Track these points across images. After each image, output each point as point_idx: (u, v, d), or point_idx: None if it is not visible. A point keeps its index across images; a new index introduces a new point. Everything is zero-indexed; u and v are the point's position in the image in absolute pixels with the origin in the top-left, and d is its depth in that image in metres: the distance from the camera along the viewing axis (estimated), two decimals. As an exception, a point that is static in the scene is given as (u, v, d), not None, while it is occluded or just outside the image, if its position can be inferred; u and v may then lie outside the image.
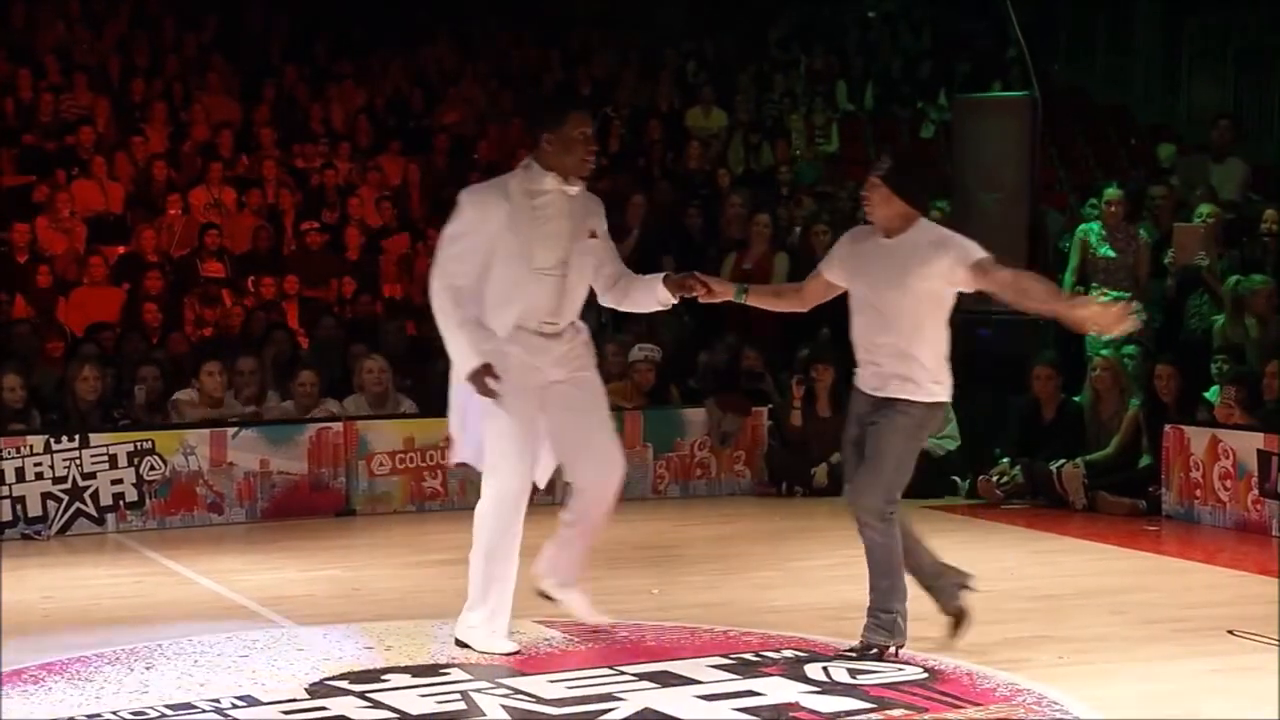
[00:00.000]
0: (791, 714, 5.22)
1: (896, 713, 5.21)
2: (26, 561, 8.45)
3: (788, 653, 6.00)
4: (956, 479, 10.58)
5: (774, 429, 10.86)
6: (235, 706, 5.38)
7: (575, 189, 6.07)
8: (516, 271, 5.97)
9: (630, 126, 15.20)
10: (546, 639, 6.26)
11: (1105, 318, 5.74)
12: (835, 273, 6.06)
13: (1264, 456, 8.98)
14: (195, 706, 5.38)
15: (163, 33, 15.14)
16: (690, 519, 9.89)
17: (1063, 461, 9.96)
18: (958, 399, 10.65)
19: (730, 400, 10.86)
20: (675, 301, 6.20)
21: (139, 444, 9.56)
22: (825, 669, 5.73)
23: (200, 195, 12.94)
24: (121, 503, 9.52)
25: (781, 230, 12.46)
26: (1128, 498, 9.77)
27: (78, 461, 9.41)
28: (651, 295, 6.17)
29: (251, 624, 6.81)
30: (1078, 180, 15.24)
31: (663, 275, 6.21)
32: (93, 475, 9.45)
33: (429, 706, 5.34)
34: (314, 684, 5.66)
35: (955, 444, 10.65)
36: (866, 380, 5.96)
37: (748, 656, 5.94)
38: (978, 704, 5.31)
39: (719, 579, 7.78)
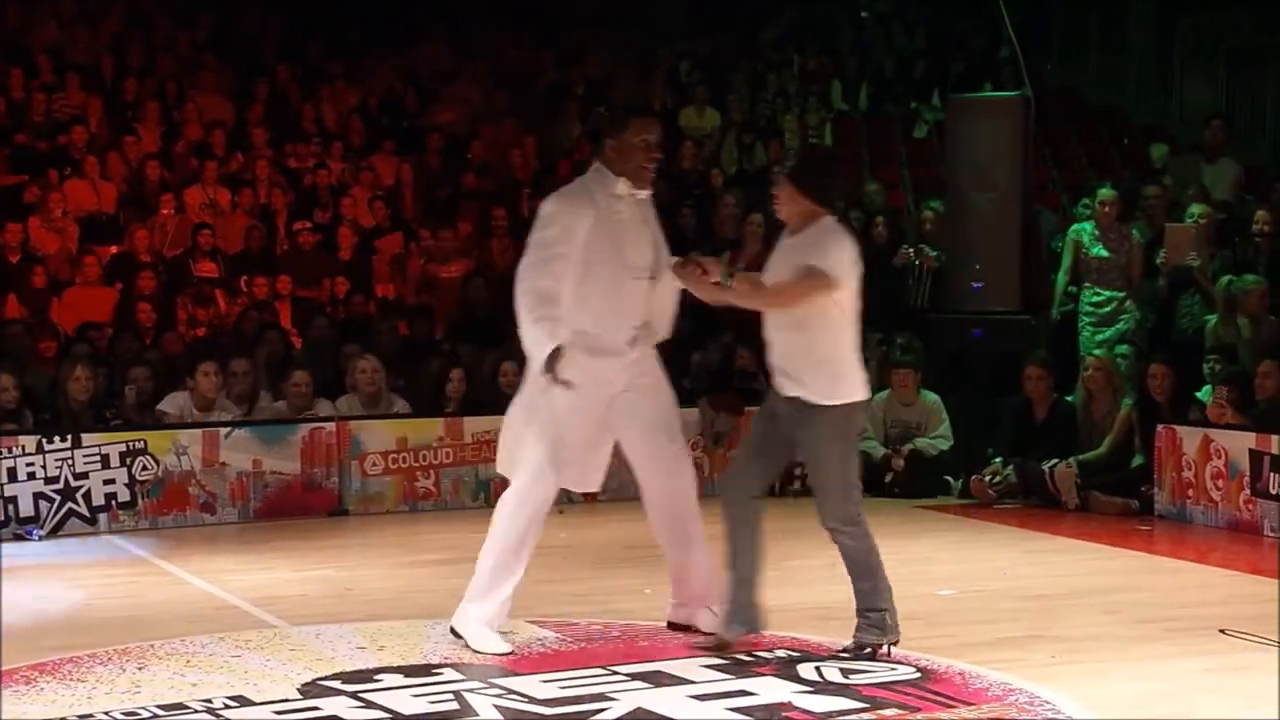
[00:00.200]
0: (784, 714, 5.22)
1: (889, 712, 5.21)
2: (19, 562, 8.43)
3: (780, 652, 6.00)
4: (949, 479, 10.60)
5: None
6: (228, 707, 5.37)
7: (644, 194, 6.08)
8: (612, 274, 5.99)
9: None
10: (539, 639, 6.26)
11: None
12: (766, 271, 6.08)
13: (1256, 456, 8.99)
14: (187, 707, 5.37)
15: (156, 32, 15.12)
16: (683, 519, 9.87)
17: (1055, 461, 9.97)
18: (951, 399, 10.83)
19: (723, 400, 10.86)
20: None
21: (131, 444, 9.55)
22: (818, 669, 5.74)
23: (194, 195, 12.93)
24: (114, 503, 9.51)
25: (775, 230, 12.44)
26: (1120, 497, 9.78)
27: (70, 461, 9.40)
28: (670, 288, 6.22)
29: (244, 624, 6.80)
30: (1070, 180, 15.25)
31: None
32: (85, 475, 9.44)
33: (422, 707, 5.33)
34: (306, 684, 5.66)
35: (948, 444, 10.65)
36: (774, 375, 5.97)
37: (740, 656, 5.93)
38: (970, 704, 5.31)
39: (712, 579, 7.77)
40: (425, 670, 5.82)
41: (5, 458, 9.26)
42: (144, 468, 9.56)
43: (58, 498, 9.38)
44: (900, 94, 17.05)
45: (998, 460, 10.29)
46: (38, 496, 9.34)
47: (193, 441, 9.67)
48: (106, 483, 9.49)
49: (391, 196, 13.62)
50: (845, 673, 5.68)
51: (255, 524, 9.70)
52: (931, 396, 10.76)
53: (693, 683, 5.58)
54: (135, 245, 12.10)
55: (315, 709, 5.34)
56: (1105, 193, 11.33)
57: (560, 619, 6.41)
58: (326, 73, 15.31)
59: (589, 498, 6.49)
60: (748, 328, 10.91)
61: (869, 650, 5.85)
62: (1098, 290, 11.09)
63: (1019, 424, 10.35)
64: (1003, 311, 11.02)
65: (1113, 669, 5.82)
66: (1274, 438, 8.89)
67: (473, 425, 10.24)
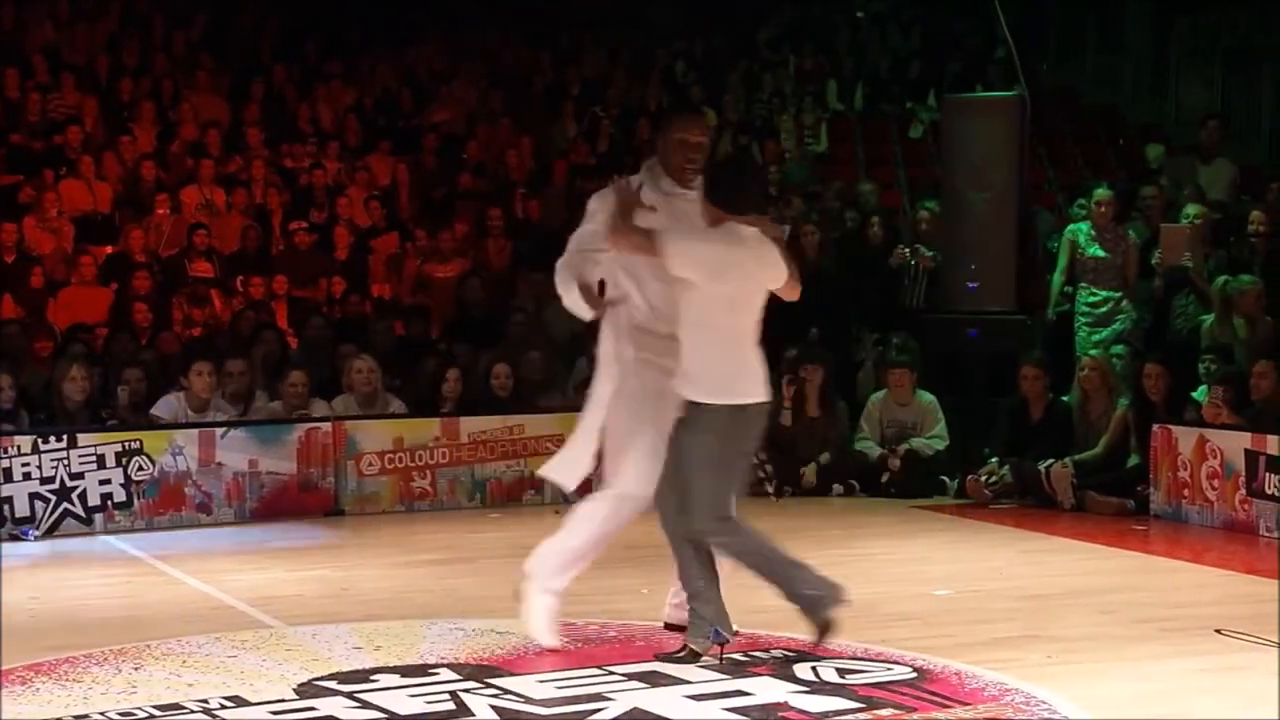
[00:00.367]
0: (781, 714, 5.22)
1: (885, 712, 5.21)
2: (14, 562, 8.42)
3: (776, 652, 5.99)
4: (945, 479, 10.60)
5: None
6: (224, 707, 5.37)
7: (692, 193, 6.02)
8: (654, 270, 5.92)
9: (620, 126, 15.21)
10: (536, 639, 6.25)
11: None
12: None
13: (1251, 456, 9.00)
14: (183, 707, 5.37)
15: (152, 31, 15.11)
16: (679, 519, 9.88)
17: (1051, 461, 9.97)
18: (946, 399, 10.83)
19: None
20: None
21: (127, 444, 9.54)
22: (814, 669, 5.73)
23: (190, 195, 12.92)
24: (109, 503, 9.50)
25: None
26: (1116, 497, 9.78)
27: (65, 462, 9.39)
28: None
29: (240, 624, 6.79)
30: (1066, 180, 15.27)
31: None
32: (80, 475, 9.43)
33: (418, 707, 5.33)
34: (302, 684, 5.66)
35: (944, 444, 10.66)
36: None
37: (737, 656, 5.93)
38: (966, 703, 5.31)
39: (708, 579, 7.76)
40: (421, 670, 5.82)
41: (1, 458, 9.25)
42: (140, 468, 9.55)
43: (53, 498, 9.37)
44: (896, 94, 17.06)
45: (994, 460, 10.29)
46: (33, 497, 9.32)
47: (189, 441, 9.67)
48: (102, 483, 9.48)
49: (387, 196, 13.62)
50: (841, 673, 5.68)
51: (251, 524, 9.69)
52: (927, 396, 10.77)
53: (689, 683, 5.58)
54: (131, 245, 12.10)
55: (311, 709, 5.34)
56: (1101, 193, 11.34)
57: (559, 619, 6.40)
58: (322, 73, 15.31)
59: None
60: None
61: (827, 625, 5.76)
62: (1094, 290, 11.10)
63: (1015, 424, 10.36)
64: (998, 311, 11.04)
65: (1109, 669, 5.82)
66: (1269, 438, 8.90)
67: (469, 425, 10.24)
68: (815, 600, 5.76)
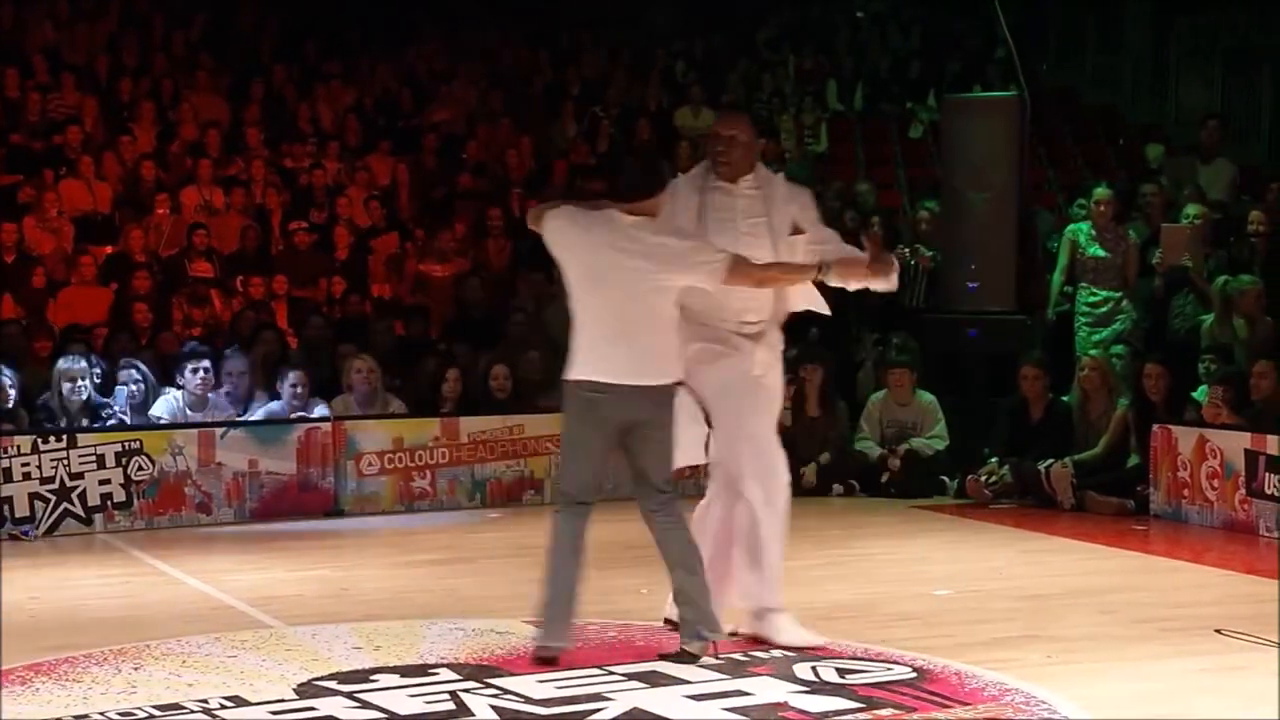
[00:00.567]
0: (780, 714, 5.22)
1: (885, 712, 5.21)
2: (14, 562, 8.42)
3: (776, 652, 6.00)
4: (945, 479, 10.60)
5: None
6: (223, 707, 5.37)
7: (733, 185, 6.11)
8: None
9: (619, 126, 15.20)
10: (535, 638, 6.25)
11: None
12: None
13: (1251, 456, 9.00)
14: (183, 707, 5.37)
15: (151, 31, 15.11)
16: (680, 519, 9.88)
17: (1051, 461, 9.97)
18: (946, 399, 10.83)
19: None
20: None
21: (127, 444, 9.54)
22: (814, 668, 5.74)
23: (189, 195, 12.91)
24: (109, 503, 9.50)
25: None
26: (1116, 497, 9.78)
27: (65, 462, 9.39)
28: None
29: (240, 624, 6.80)
30: (1066, 180, 15.27)
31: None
32: (80, 475, 9.43)
33: (418, 707, 5.33)
34: (302, 684, 5.66)
35: (944, 444, 10.66)
36: None
37: (737, 656, 5.93)
38: (966, 703, 5.31)
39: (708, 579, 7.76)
40: (421, 670, 5.82)
41: (1, 458, 9.25)
42: (139, 468, 9.55)
43: (53, 498, 9.37)
44: (896, 94, 17.05)
45: (993, 460, 10.29)
46: (33, 497, 9.33)
47: (188, 441, 9.67)
48: (102, 483, 9.48)
49: (387, 196, 13.61)
50: (841, 673, 5.68)
51: (251, 524, 9.69)
52: (927, 396, 10.77)
53: (689, 682, 5.58)
54: (131, 245, 12.09)
55: (311, 709, 5.34)
56: (1101, 192, 11.35)
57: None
58: (322, 73, 15.30)
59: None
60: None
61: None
62: (1094, 290, 11.10)
63: (1015, 424, 10.36)
64: (998, 311, 11.04)
65: (1109, 669, 5.82)
66: (1269, 438, 8.90)
67: (469, 425, 10.24)
68: (557, 619, 5.80)
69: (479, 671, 5.78)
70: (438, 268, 12.56)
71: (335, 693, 5.52)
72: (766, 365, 6.19)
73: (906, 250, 11.69)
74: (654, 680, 5.60)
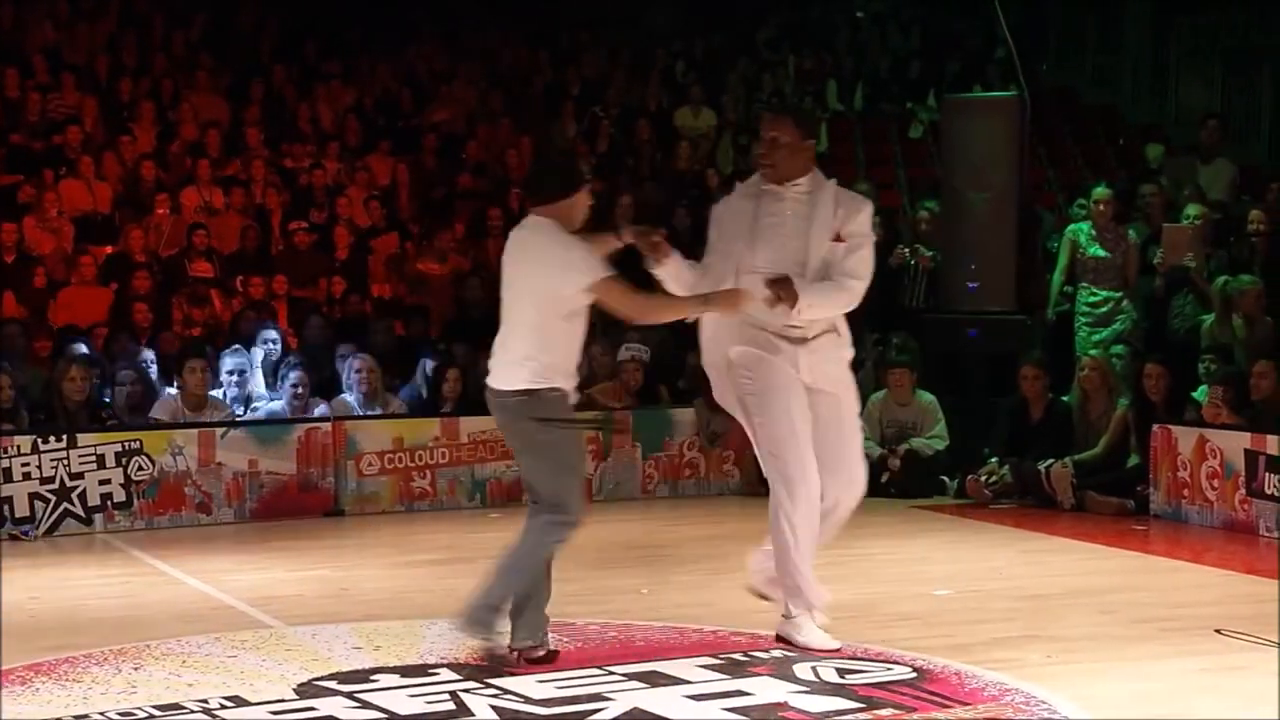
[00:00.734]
0: (780, 714, 5.22)
1: (885, 712, 5.21)
2: (14, 562, 8.43)
3: (776, 652, 6.00)
4: (945, 479, 10.61)
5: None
6: (223, 707, 5.37)
7: (781, 188, 6.07)
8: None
9: (619, 126, 15.20)
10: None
11: None
12: None
13: (1251, 456, 9.00)
14: (183, 707, 5.37)
15: (151, 31, 15.11)
16: (679, 519, 9.90)
17: (1051, 461, 9.97)
18: (946, 399, 10.83)
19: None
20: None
21: (127, 444, 9.54)
22: (814, 669, 5.74)
23: (189, 195, 12.91)
24: (109, 503, 9.50)
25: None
26: (1116, 497, 9.78)
27: (65, 462, 9.39)
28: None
29: (240, 624, 6.80)
30: (1066, 180, 15.28)
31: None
32: (80, 475, 9.43)
33: (418, 707, 5.33)
34: (302, 684, 5.66)
35: (944, 444, 10.66)
36: None
37: (737, 656, 5.94)
38: (966, 703, 5.31)
39: (708, 579, 7.78)
40: (421, 670, 5.82)
41: (1, 458, 9.25)
42: (139, 468, 9.55)
43: (53, 498, 9.37)
44: (896, 94, 17.06)
45: (993, 460, 10.30)
46: (33, 497, 9.33)
47: (188, 441, 9.67)
48: (102, 483, 9.48)
49: (387, 196, 13.61)
50: (841, 673, 5.68)
51: (251, 524, 9.70)
52: (927, 396, 10.77)
53: (689, 683, 5.58)
54: (130, 245, 12.10)
55: (311, 709, 5.34)
56: (1100, 191, 11.35)
57: (557, 619, 6.39)
58: (322, 73, 15.30)
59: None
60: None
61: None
62: (1094, 290, 11.10)
63: (1015, 424, 10.36)
64: (998, 311, 11.04)
65: (1109, 669, 5.82)
66: (1269, 437, 8.90)
67: (469, 425, 10.23)
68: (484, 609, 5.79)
69: (479, 671, 5.78)
70: (433, 266, 12.56)
71: (335, 693, 5.52)
72: (817, 370, 6.06)
73: (906, 250, 11.69)
74: (654, 680, 5.61)
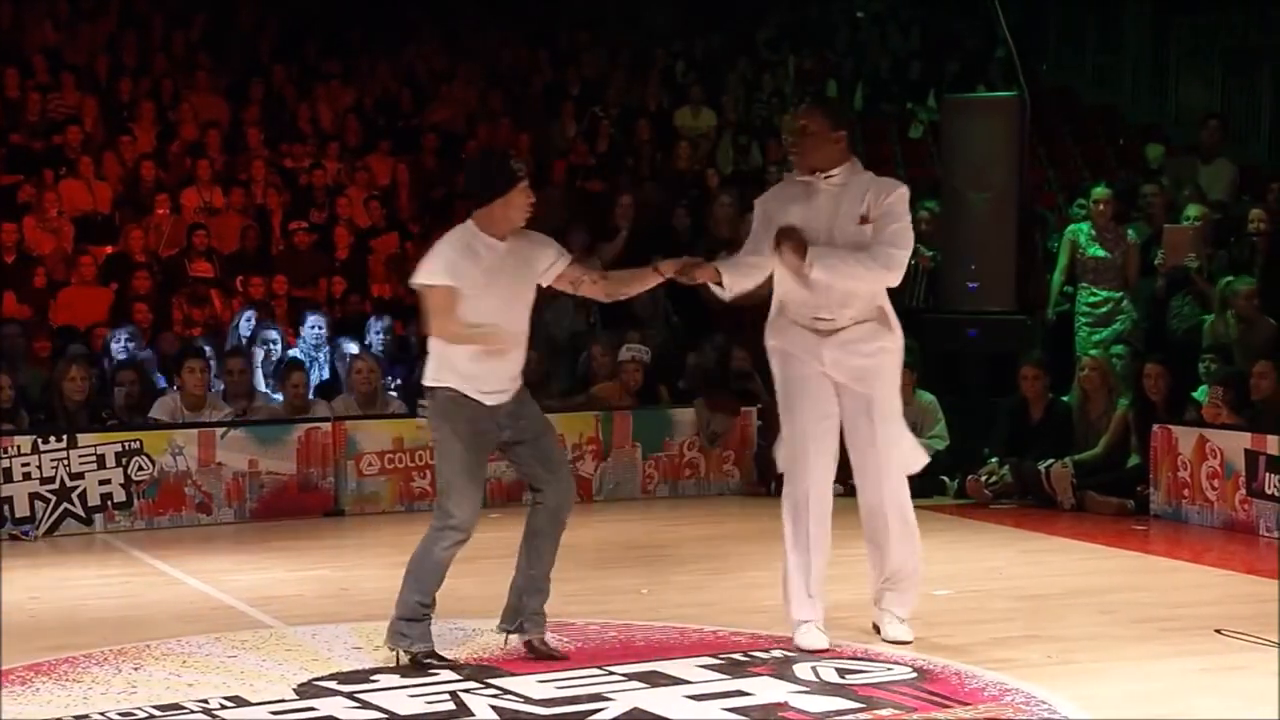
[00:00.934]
0: (780, 714, 5.22)
1: (885, 712, 5.21)
2: (14, 562, 8.43)
3: (777, 652, 6.00)
4: (945, 479, 10.59)
5: (763, 429, 10.85)
6: (224, 707, 5.37)
7: (814, 178, 6.09)
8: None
9: (619, 126, 15.20)
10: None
11: None
12: None
13: (1251, 456, 9.00)
14: (183, 707, 5.37)
15: (151, 31, 15.10)
16: (679, 519, 9.90)
17: (1051, 461, 9.97)
18: (946, 399, 10.82)
19: (719, 400, 10.87)
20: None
21: (127, 444, 9.54)
22: (814, 669, 5.74)
23: (189, 195, 12.91)
24: (109, 503, 9.51)
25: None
26: (1116, 497, 9.78)
27: (65, 462, 9.40)
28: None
29: (240, 624, 6.80)
30: (1066, 180, 15.27)
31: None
32: (80, 475, 9.44)
33: (418, 707, 5.33)
34: (302, 684, 5.66)
35: (944, 444, 10.65)
36: None
37: (737, 656, 5.94)
38: (966, 703, 5.31)
39: (708, 579, 7.78)
40: (422, 670, 5.82)
41: (1, 458, 9.26)
42: (140, 468, 9.55)
43: (53, 498, 9.37)
44: (895, 94, 17.05)
45: (993, 460, 10.29)
46: (33, 497, 9.33)
47: (188, 442, 9.67)
48: (102, 483, 9.49)
49: (387, 196, 13.62)
50: (841, 673, 5.68)
51: (251, 524, 9.70)
52: (927, 396, 10.76)
53: (689, 683, 5.58)
54: (130, 245, 12.10)
55: (311, 709, 5.34)
56: (1100, 191, 11.35)
57: (557, 619, 6.40)
58: (322, 73, 15.30)
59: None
60: (741, 328, 10.98)
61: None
62: (1094, 290, 11.10)
63: (1015, 424, 10.36)
64: (998, 311, 11.03)
65: (1109, 669, 5.82)
66: (1269, 438, 8.90)
67: (469, 425, 10.21)
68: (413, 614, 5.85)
69: (479, 671, 5.78)
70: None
71: (335, 693, 5.52)
72: (842, 365, 6.01)
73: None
74: (654, 680, 5.61)
